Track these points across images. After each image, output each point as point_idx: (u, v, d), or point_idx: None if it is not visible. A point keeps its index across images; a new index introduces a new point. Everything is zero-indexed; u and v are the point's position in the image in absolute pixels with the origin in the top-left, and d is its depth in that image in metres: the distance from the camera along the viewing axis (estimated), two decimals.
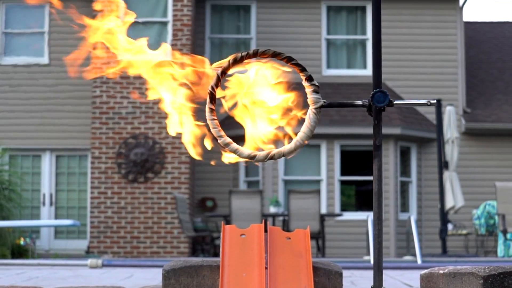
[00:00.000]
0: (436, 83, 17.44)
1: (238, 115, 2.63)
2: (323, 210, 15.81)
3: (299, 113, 2.52)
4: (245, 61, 2.47)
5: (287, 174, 16.55)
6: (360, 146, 16.65)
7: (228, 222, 13.17)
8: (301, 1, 17.65)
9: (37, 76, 17.07)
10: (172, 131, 2.78)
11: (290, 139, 2.52)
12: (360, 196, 17.23)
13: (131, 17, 3.09)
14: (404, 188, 17.02)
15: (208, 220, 16.38)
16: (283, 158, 2.44)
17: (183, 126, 2.66)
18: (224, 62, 2.50)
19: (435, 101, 2.55)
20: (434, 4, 17.73)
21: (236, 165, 16.52)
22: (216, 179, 16.77)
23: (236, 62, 2.44)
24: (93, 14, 3.26)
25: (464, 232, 16.63)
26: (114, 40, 3.00)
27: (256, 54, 2.44)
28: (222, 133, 2.42)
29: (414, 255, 11.44)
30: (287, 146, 2.46)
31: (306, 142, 2.48)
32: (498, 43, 20.54)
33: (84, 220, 16.51)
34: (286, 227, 13.68)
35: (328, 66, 17.63)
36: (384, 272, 4.98)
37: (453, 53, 17.61)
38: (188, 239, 15.28)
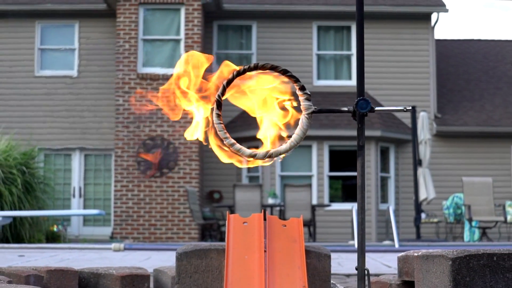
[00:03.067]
0: (411, 92, 17.44)
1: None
2: (314, 201, 15.80)
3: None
4: (247, 73, 2.47)
5: (283, 171, 16.54)
6: (346, 146, 16.65)
7: (232, 211, 13.16)
8: (295, 22, 17.65)
9: (68, 86, 17.07)
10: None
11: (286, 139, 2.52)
12: (346, 189, 17.23)
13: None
14: (383, 182, 17.01)
15: (215, 210, 16.38)
16: (280, 156, 2.43)
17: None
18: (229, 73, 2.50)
19: (410, 108, 2.55)
20: (409, 24, 17.73)
21: None
22: (222, 174, 16.77)
23: (239, 74, 2.45)
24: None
25: (435, 220, 16.63)
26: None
27: (256, 67, 2.44)
28: (227, 135, 2.42)
29: (392, 240, 11.44)
30: (283, 146, 2.46)
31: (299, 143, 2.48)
32: (464, 58, 20.54)
33: (108, 210, 16.51)
34: (282, 216, 13.67)
35: (318, 78, 17.63)
36: (367, 254, 4.97)
37: (426, 66, 17.60)
38: (198, 226, 15.28)
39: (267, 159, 2.42)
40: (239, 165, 2.54)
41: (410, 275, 2.66)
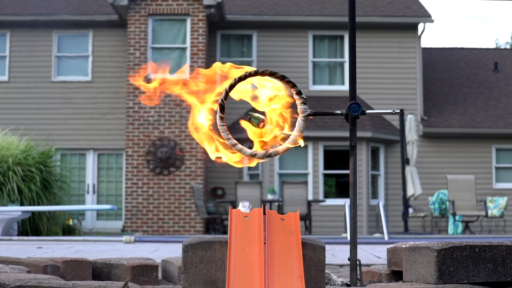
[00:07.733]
0: (400, 96, 17.44)
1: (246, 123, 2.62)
2: (310, 197, 15.80)
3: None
4: (248, 78, 2.47)
5: (282, 169, 16.54)
6: (339, 147, 16.65)
7: (234, 206, 13.16)
8: (292, 31, 17.65)
9: (82, 91, 17.07)
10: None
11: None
12: (339, 186, 17.23)
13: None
14: (374, 180, 17.01)
15: (218, 205, 16.38)
16: (278, 155, 2.44)
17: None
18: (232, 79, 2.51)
19: (398, 111, 2.55)
20: (398, 34, 17.73)
21: None
22: (225, 172, 16.76)
23: (241, 79, 2.45)
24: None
25: (421, 214, 16.63)
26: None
27: (256, 73, 2.45)
28: (230, 136, 2.43)
29: (382, 233, 11.43)
30: (281, 146, 2.47)
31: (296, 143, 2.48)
32: (448, 64, 20.55)
33: (120, 205, 16.51)
34: (280, 210, 13.67)
35: (314, 83, 17.63)
36: (358, 246, 4.97)
37: (413, 72, 17.61)
38: (202, 220, 15.28)
39: (266, 158, 2.42)
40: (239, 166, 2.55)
41: (398, 265, 2.66)
